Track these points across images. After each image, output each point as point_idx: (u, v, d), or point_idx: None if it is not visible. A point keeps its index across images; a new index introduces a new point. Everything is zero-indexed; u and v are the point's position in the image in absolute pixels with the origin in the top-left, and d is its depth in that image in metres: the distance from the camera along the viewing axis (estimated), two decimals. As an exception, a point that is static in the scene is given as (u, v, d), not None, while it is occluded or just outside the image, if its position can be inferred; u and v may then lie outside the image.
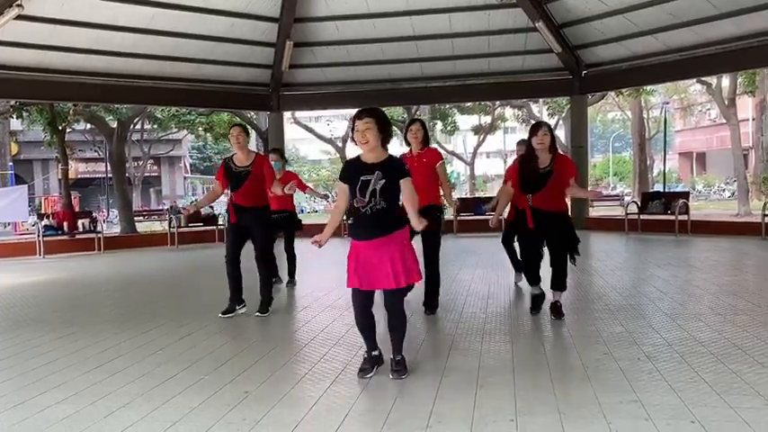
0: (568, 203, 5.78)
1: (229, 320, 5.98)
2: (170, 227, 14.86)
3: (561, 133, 26.21)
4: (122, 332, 5.56)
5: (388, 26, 13.08)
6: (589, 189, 5.99)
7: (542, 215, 5.42)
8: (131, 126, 20.99)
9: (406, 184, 3.97)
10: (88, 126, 24.02)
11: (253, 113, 21.02)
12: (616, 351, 4.48)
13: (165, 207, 23.76)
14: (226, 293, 6.55)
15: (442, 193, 6.06)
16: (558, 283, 5.56)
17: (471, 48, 13.51)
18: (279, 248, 8.05)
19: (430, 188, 5.80)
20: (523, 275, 6.35)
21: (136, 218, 18.66)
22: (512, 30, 13.00)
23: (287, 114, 20.20)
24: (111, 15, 11.40)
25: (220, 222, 15.14)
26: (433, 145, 6.76)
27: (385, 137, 3.99)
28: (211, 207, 14.58)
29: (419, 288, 6.51)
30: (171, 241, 14.48)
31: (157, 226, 20.47)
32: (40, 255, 12.86)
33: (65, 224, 13.81)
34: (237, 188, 6.08)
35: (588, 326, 5.33)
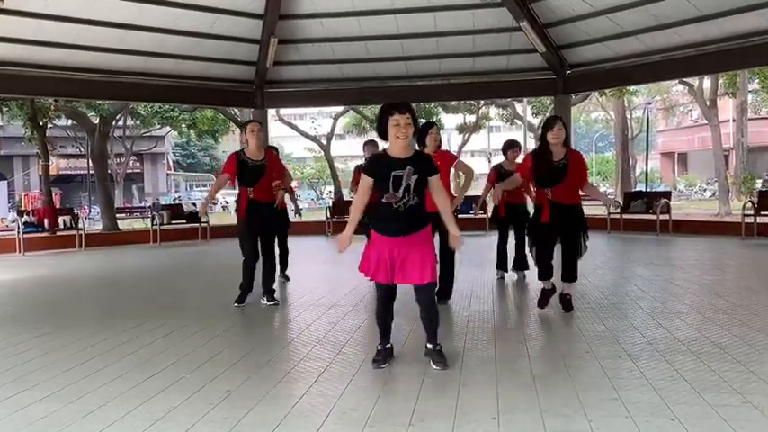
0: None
1: (211, 319, 5.92)
2: (152, 224, 14.74)
3: (545, 133, 26.36)
4: (103, 330, 5.51)
5: (373, 24, 13.05)
6: (607, 196, 6.00)
7: (561, 209, 5.44)
8: (113, 122, 20.80)
9: (435, 182, 3.99)
10: (70, 122, 23.77)
11: (236, 110, 20.90)
12: (597, 349, 4.51)
13: (148, 204, 23.58)
14: (208, 291, 6.53)
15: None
16: (571, 275, 5.65)
17: (456, 47, 13.51)
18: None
19: None
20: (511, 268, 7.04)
21: (118, 215, 18.48)
22: (496, 29, 13.02)
23: (271, 112, 20.10)
24: (93, 10, 11.26)
25: (203, 220, 15.06)
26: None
27: (414, 132, 4.02)
28: (194, 205, 14.48)
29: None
30: (153, 239, 14.38)
31: (140, 223, 20.32)
32: (19, 252, 12.70)
33: (45, 221, 13.65)
34: (256, 183, 6.18)
35: (570, 324, 5.37)
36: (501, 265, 7.80)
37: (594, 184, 5.84)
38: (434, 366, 4.09)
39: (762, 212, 12.08)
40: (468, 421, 3.26)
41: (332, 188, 25.66)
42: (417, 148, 5.94)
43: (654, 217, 13.32)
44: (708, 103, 20.18)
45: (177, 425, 3.30)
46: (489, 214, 10.28)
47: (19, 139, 27.72)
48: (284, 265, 8.09)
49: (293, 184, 6.57)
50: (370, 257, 4.03)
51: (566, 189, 5.45)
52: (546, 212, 5.49)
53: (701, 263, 9.08)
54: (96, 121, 17.73)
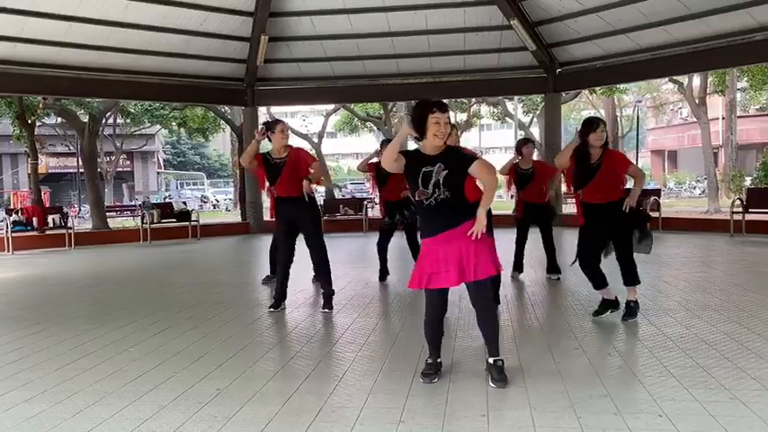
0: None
1: (201, 317, 5.91)
2: (142, 223, 14.69)
3: (535, 131, 26.45)
4: (93, 329, 5.48)
5: (364, 22, 13.06)
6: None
7: (594, 208, 5.28)
8: (103, 120, 20.70)
9: (475, 170, 3.73)
10: (59, 120, 23.62)
11: (227, 108, 20.84)
12: (587, 346, 4.53)
13: (138, 203, 23.49)
14: (198, 290, 6.50)
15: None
16: (628, 278, 5.35)
17: (447, 45, 13.54)
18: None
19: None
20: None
21: (108, 213, 18.41)
22: (487, 27, 13.06)
23: (262, 110, 20.06)
24: (82, 7, 11.20)
25: (193, 219, 15.03)
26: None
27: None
28: (184, 203, 14.41)
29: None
30: (143, 237, 14.32)
31: (130, 222, 20.23)
32: (8, 251, 12.61)
33: (34, 220, 13.56)
34: (276, 179, 6.08)
35: (560, 321, 5.39)
36: (517, 266, 7.69)
37: (635, 169, 5.57)
38: (491, 384, 3.73)
39: (750, 210, 12.17)
40: (458, 418, 3.27)
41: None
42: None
43: (644, 214, 13.36)
44: (697, 101, 20.30)
45: (167, 423, 3.29)
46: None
47: (7, 137, 27.53)
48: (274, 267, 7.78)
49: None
50: (424, 268, 3.80)
51: (596, 189, 5.25)
52: (579, 213, 5.34)
53: (690, 260, 9.14)
54: (86, 119, 17.64)
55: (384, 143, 7.65)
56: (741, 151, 28.90)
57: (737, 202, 12.55)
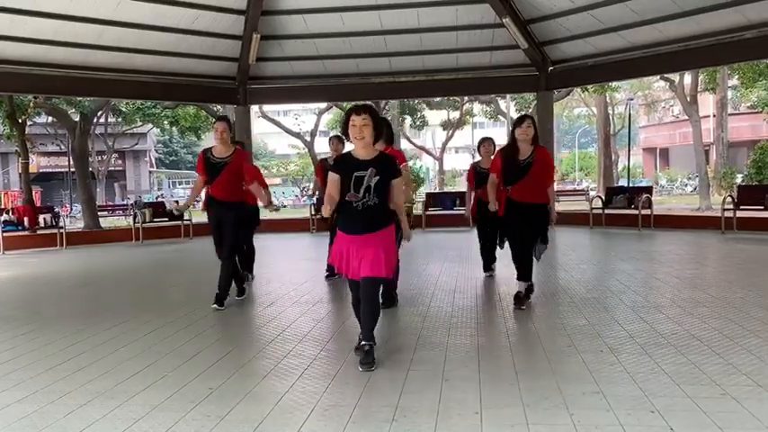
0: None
1: (194, 317, 5.89)
2: (134, 222, 14.63)
3: (528, 129, 26.49)
4: (84, 329, 5.46)
5: (356, 20, 13.04)
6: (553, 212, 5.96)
7: (519, 207, 5.52)
8: (95, 119, 20.61)
9: (396, 184, 4.13)
10: (50, 119, 23.51)
11: (219, 107, 20.78)
12: (579, 343, 4.54)
13: (130, 202, 23.41)
14: (190, 289, 6.47)
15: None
16: (526, 275, 5.75)
17: (439, 43, 13.54)
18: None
19: None
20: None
21: (100, 213, 18.34)
22: (479, 25, 13.07)
23: (254, 108, 20.01)
24: (72, 5, 11.13)
25: (186, 218, 14.97)
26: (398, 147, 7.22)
27: (377, 134, 4.12)
28: (177, 202, 14.32)
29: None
30: (135, 236, 14.27)
31: (122, 221, 20.16)
32: (-1, 251, 12.55)
33: (25, 219, 13.50)
34: (213, 180, 6.12)
35: (553, 319, 5.40)
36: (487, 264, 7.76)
37: (554, 190, 5.84)
38: (359, 368, 4.04)
39: (741, 207, 12.23)
40: (450, 416, 3.27)
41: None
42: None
43: (635, 212, 13.42)
44: (688, 99, 20.39)
45: (159, 423, 3.28)
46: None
47: (-2, 136, 27.30)
48: (246, 264, 7.79)
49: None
50: (336, 253, 4.22)
51: (524, 187, 5.51)
52: (502, 207, 5.65)
53: (681, 257, 9.18)
54: (77, 118, 17.56)
55: (331, 139, 7.74)
56: (732, 149, 29.04)
57: (728, 199, 12.61)
